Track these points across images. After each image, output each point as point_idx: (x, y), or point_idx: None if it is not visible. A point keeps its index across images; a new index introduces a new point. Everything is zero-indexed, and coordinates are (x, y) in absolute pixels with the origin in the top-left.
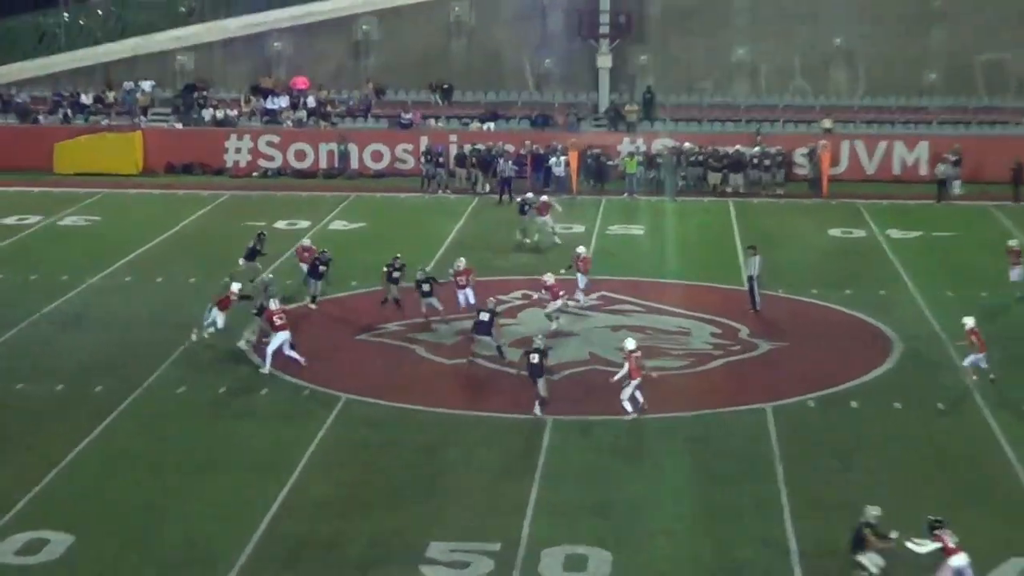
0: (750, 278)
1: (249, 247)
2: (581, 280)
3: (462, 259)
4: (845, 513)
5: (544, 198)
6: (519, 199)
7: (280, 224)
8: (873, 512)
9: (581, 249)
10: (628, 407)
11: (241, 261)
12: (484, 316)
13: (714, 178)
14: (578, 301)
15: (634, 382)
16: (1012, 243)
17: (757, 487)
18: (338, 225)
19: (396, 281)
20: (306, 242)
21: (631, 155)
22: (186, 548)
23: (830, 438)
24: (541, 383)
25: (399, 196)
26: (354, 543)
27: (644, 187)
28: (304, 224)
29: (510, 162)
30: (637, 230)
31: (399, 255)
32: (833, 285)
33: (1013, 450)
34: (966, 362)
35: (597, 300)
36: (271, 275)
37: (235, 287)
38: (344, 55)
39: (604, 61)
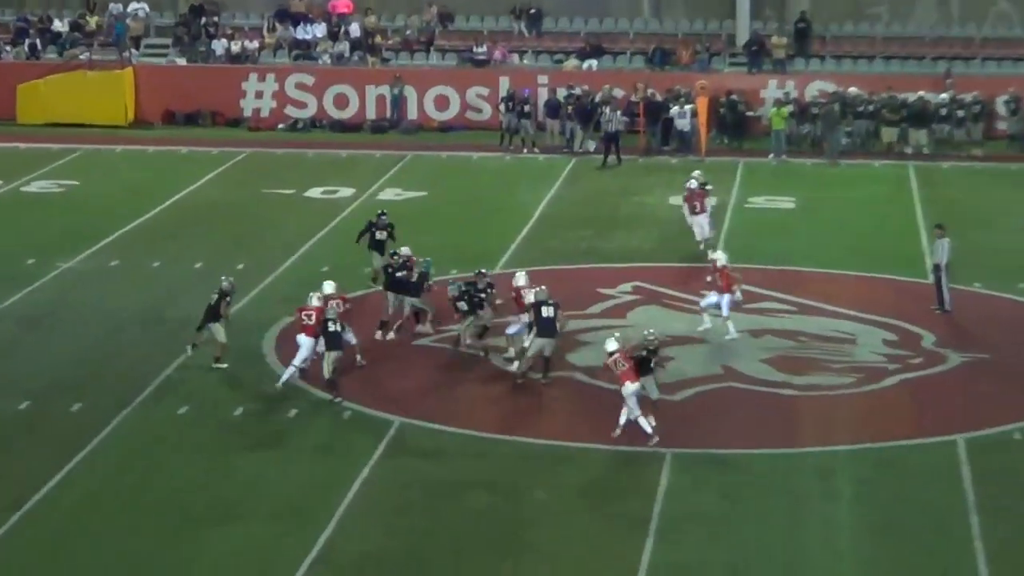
0: (936, 268)
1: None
2: (725, 305)
3: (520, 273)
4: None
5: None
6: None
7: (314, 192)
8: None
9: (720, 256)
10: (645, 427)
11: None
12: (549, 311)
13: (889, 134)
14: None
15: (628, 390)
16: None
17: (944, 545)
18: (389, 194)
19: (413, 289)
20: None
21: (779, 104)
22: None
23: None
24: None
25: (470, 156)
26: None
27: (796, 146)
28: (347, 192)
29: (618, 112)
30: (786, 203)
31: (398, 252)
32: None
33: None
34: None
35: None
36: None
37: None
38: None
39: None
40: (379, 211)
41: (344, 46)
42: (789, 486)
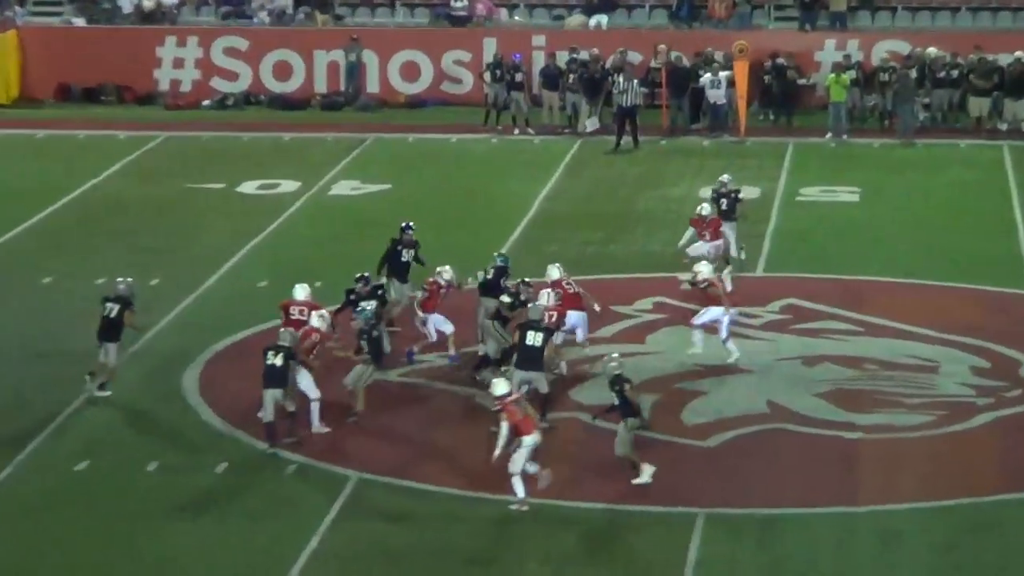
0: None
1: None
2: (724, 327)
3: (447, 268)
4: None
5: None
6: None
7: (249, 186)
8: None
9: (703, 269)
10: (518, 488)
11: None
12: (536, 339)
13: (978, 106)
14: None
15: (526, 443)
16: None
17: None
18: (344, 188)
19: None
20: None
21: (839, 70)
22: None
23: None
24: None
25: (447, 139)
26: None
27: (860, 122)
28: (290, 187)
29: (634, 81)
30: (848, 194)
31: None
32: None
33: None
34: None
35: (782, 313)
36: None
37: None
38: None
39: None
40: (403, 223)
41: (286, 1)
42: (853, 555)
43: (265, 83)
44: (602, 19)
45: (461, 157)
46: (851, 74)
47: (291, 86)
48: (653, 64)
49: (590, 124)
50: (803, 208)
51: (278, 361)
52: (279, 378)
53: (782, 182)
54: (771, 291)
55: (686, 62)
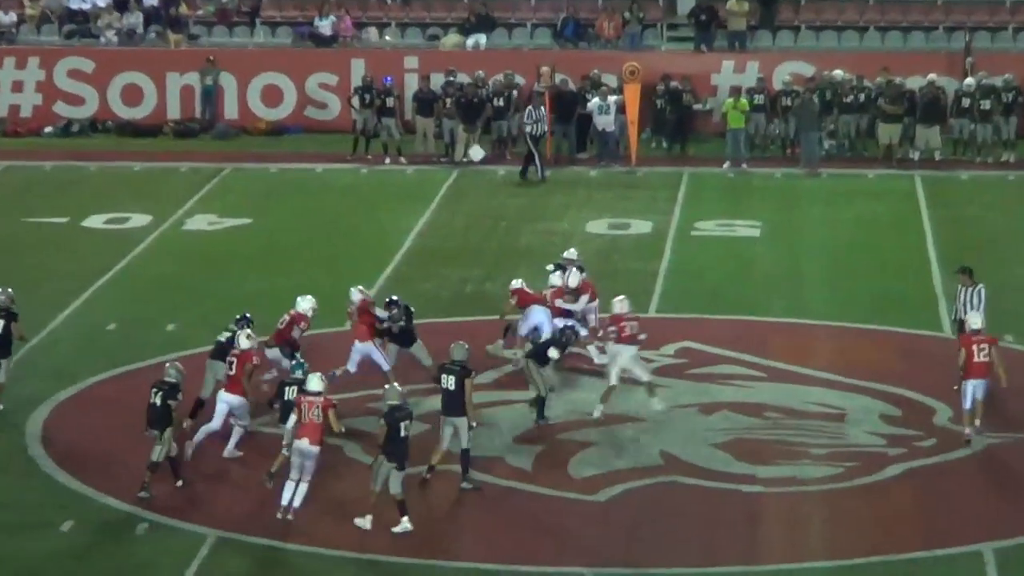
0: (961, 324)
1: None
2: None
3: (357, 289)
4: None
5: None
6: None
7: (95, 221)
8: None
9: (620, 306)
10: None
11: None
12: (448, 382)
13: (889, 133)
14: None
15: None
16: None
17: None
18: (200, 223)
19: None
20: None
21: (737, 96)
22: None
23: None
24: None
25: (312, 169)
26: None
27: (760, 151)
28: (140, 220)
29: (542, 108)
30: (748, 228)
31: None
32: None
33: None
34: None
35: (677, 357)
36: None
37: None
38: None
39: None
40: (388, 298)
41: (136, 18)
42: None
43: (113, 108)
44: (480, 39)
45: (327, 188)
46: (750, 98)
47: (142, 111)
48: (537, 88)
49: (474, 153)
50: (699, 243)
51: (157, 400)
52: (155, 419)
53: (676, 215)
54: (665, 333)
55: (572, 86)
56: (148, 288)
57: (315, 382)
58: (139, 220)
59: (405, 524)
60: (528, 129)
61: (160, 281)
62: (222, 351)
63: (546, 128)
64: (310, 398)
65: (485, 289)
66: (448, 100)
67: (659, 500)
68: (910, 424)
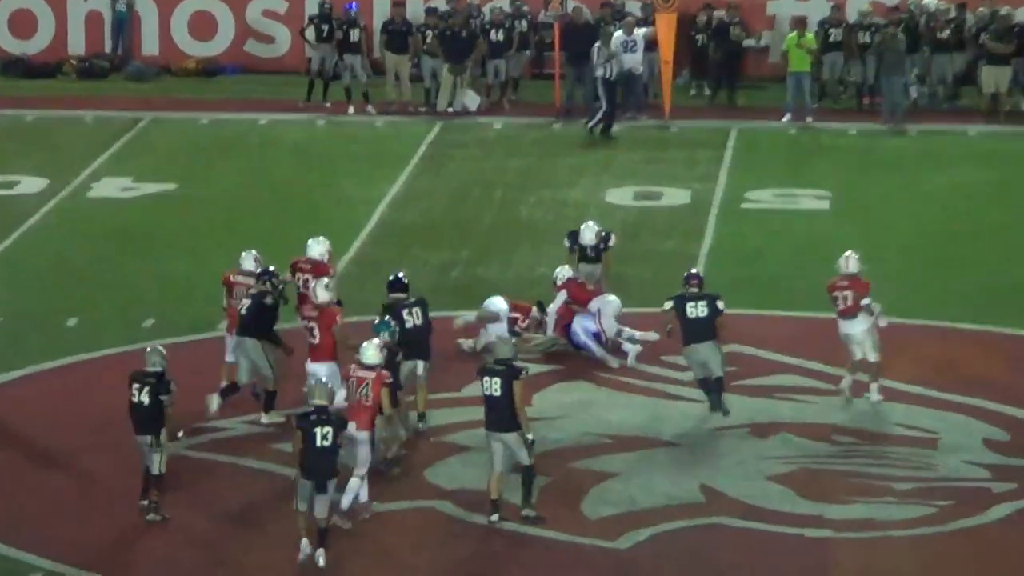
0: None
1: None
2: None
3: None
4: None
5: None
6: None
7: None
8: None
9: (611, 303)
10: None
11: None
12: (493, 386)
13: (993, 79)
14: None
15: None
16: None
17: None
18: (110, 188)
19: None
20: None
21: (801, 30)
22: None
23: None
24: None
25: (255, 120)
26: None
27: (831, 100)
28: (32, 185)
29: (638, 36)
30: (813, 200)
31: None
32: None
33: None
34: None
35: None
36: None
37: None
38: None
39: None
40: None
41: None
42: None
43: (1, 43)
44: None
45: (273, 146)
46: (828, 32)
47: (35, 45)
48: (543, 18)
49: (469, 101)
50: (750, 219)
51: (144, 398)
52: (145, 421)
53: (721, 182)
54: None
55: (588, 15)
56: (42, 273)
57: (371, 352)
58: (31, 185)
59: (318, 557)
60: (600, 72)
61: (58, 264)
62: (257, 319)
63: (639, 67)
64: (361, 373)
65: (476, 274)
66: (429, 33)
67: (698, 548)
68: (1021, 451)
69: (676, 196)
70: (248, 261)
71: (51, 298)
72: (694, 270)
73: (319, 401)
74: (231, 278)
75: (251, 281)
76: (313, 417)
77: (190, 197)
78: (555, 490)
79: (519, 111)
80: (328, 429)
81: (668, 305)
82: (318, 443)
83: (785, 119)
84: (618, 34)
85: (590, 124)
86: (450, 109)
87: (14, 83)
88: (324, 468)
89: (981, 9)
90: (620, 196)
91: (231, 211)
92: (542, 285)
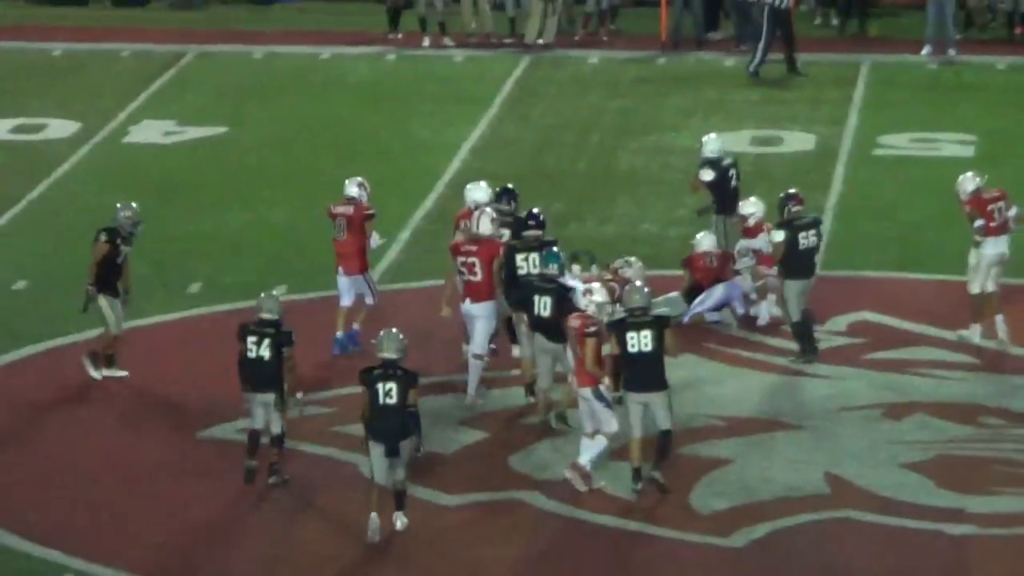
0: None
1: None
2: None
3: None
4: None
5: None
6: None
7: (1, 129)
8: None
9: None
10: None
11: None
12: (644, 341)
13: None
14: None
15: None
16: None
17: None
18: (151, 133)
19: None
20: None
21: None
22: None
23: None
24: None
25: (316, 53)
26: None
27: (977, 30)
28: (63, 129)
29: None
30: (958, 146)
31: None
32: None
33: None
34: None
35: (852, 335)
36: None
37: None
38: None
39: None
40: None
41: None
42: None
43: None
44: None
45: (337, 84)
46: None
47: None
48: None
49: (546, 33)
50: (886, 167)
51: (264, 352)
52: (267, 378)
53: (851, 126)
54: (834, 300)
55: None
56: (74, 227)
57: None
58: (61, 128)
59: (401, 519)
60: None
61: (91, 217)
62: None
63: None
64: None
65: (568, 231)
66: None
67: (821, 545)
68: None
69: (800, 141)
70: (352, 187)
71: (82, 259)
72: (793, 190)
73: (387, 354)
74: (332, 209)
75: (350, 210)
76: (378, 371)
77: (241, 142)
78: (657, 480)
79: (619, 44)
80: (392, 385)
81: (779, 236)
82: (381, 400)
83: (924, 52)
84: None
85: (753, 66)
86: (540, 41)
87: (40, 10)
88: (390, 429)
89: None
90: (735, 141)
91: (288, 158)
92: (646, 243)
